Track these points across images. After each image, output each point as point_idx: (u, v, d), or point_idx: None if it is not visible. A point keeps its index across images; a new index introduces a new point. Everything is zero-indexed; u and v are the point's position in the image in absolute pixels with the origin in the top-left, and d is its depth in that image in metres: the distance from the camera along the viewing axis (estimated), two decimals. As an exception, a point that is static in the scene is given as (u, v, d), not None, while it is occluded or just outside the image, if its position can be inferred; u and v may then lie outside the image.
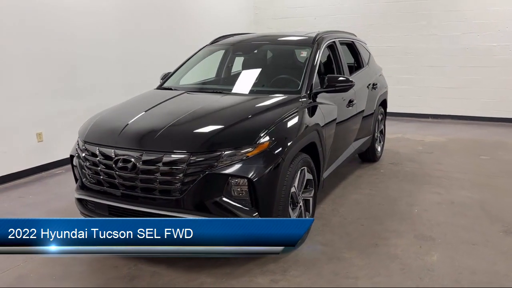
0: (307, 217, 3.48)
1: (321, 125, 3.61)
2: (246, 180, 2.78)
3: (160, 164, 2.80)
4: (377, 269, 3.04)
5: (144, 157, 2.84)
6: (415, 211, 4.05)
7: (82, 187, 3.16)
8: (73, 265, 3.14)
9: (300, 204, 3.34)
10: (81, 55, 5.74)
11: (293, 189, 3.16)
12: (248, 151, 2.82)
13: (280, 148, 2.96)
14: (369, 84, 5.15)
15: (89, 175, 3.11)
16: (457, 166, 5.47)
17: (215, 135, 2.90)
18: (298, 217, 3.33)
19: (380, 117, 5.65)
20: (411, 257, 3.19)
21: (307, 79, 3.73)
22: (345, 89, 3.84)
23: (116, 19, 6.30)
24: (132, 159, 2.85)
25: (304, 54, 4.04)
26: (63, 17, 5.49)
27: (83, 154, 3.14)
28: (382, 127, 5.86)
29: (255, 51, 4.46)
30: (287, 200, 3.05)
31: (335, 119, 3.95)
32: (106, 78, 6.14)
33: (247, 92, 3.78)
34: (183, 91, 3.89)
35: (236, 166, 2.78)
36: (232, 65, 4.74)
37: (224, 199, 2.79)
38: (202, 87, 4.11)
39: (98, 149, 3.04)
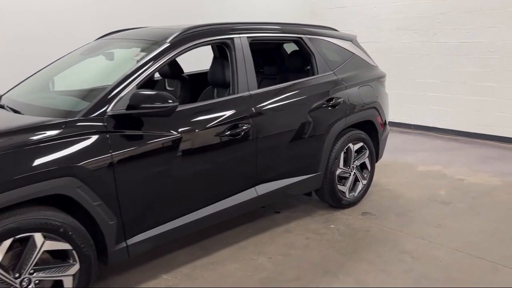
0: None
1: (102, 165, 2.38)
2: None
3: None
4: None
5: None
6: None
7: None
8: None
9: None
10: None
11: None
12: None
13: None
14: (318, 101, 3.56)
15: None
16: (458, 235, 3.47)
17: None
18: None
19: (354, 146, 3.93)
20: None
21: (102, 95, 2.52)
22: (157, 114, 2.50)
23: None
24: None
25: (137, 58, 2.80)
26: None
27: None
28: (365, 160, 4.09)
29: (103, 52, 3.33)
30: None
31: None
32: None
33: (20, 110, 2.71)
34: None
35: None
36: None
37: None
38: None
39: None
